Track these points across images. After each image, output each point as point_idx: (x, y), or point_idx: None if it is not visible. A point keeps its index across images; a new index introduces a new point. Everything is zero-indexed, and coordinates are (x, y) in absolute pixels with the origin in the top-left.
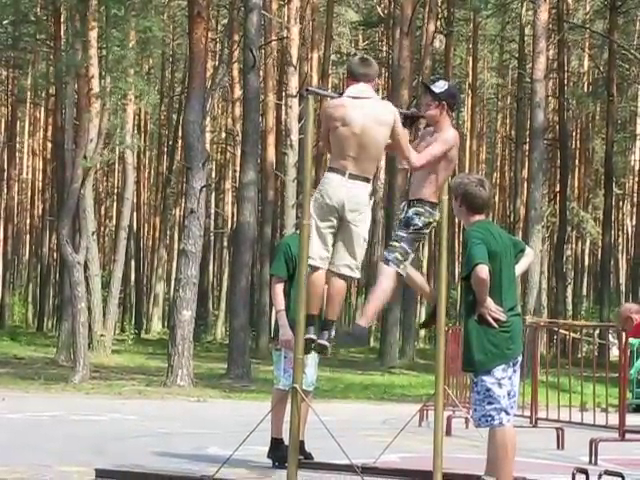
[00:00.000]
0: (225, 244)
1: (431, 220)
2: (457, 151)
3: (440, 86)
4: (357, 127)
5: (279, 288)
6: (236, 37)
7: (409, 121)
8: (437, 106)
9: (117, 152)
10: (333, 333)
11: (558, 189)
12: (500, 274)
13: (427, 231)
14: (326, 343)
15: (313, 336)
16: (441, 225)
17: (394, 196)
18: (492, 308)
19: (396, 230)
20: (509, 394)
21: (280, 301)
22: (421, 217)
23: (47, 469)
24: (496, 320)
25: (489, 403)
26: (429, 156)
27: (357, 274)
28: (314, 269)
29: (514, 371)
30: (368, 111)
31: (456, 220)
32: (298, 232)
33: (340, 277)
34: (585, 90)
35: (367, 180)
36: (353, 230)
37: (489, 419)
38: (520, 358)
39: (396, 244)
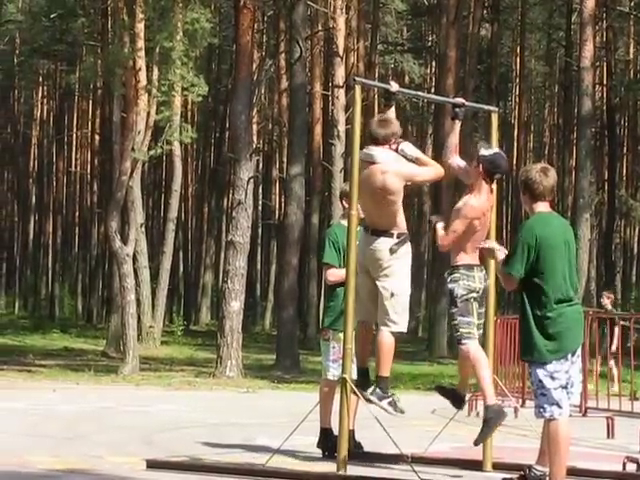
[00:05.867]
0: (273, 235)
1: (471, 283)
2: (487, 218)
3: (489, 151)
4: (361, 189)
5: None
6: (282, 28)
7: (458, 111)
8: (475, 167)
9: (164, 144)
10: (387, 394)
11: (607, 177)
12: (553, 265)
13: (476, 294)
14: (370, 397)
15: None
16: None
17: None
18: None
19: (448, 309)
20: (565, 386)
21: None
22: (459, 282)
23: (98, 460)
24: (546, 314)
25: (542, 394)
26: (452, 235)
27: (396, 328)
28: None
29: (572, 362)
30: (365, 178)
31: (503, 208)
32: (341, 222)
33: (381, 333)
34: (632, 77)
35: (386, 234)
36: (378, 286)
37: (541, 410)
38: (579, 349)
39: (454, 322)
